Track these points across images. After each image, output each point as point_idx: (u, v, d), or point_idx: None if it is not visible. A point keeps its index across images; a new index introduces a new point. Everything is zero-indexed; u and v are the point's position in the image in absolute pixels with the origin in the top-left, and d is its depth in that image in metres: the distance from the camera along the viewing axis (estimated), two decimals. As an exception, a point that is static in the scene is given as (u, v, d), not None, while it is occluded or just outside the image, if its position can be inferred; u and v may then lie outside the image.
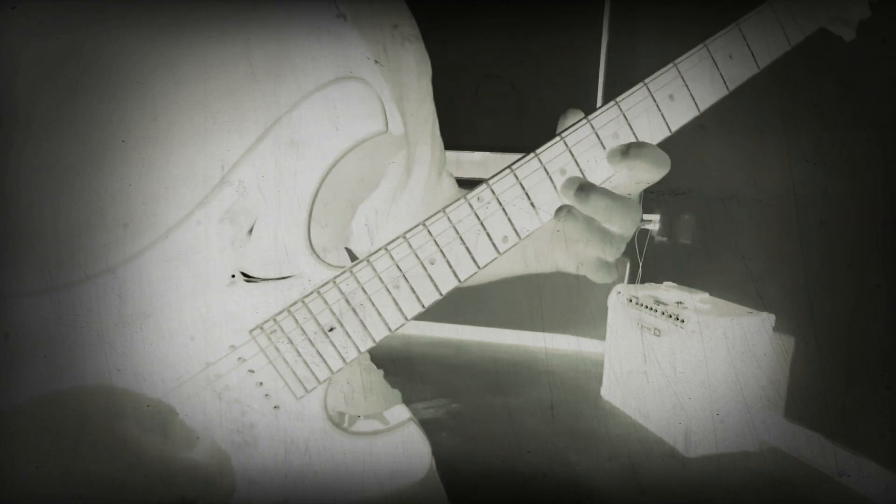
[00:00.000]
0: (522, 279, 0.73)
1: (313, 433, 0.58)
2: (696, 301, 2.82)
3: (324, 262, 0.54)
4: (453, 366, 3.62)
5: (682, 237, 3.48)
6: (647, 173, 0.56)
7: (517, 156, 0.57)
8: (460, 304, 4.03)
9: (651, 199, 3.67)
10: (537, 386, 3.45)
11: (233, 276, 0.53)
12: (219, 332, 0.54)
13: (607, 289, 3.22)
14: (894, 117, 2.33)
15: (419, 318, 0.57)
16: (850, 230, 2.49)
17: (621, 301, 3.08)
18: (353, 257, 0.63)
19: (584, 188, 0.55)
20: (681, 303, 2.82)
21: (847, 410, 2.50)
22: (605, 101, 0.60)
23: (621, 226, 0.57)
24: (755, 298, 2.80)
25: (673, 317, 2.73)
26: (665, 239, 3.60)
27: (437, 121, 0.76)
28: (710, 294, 2.94)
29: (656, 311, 2.83)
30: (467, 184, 0.65)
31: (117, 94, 0.52)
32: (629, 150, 0.55)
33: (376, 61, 0.63)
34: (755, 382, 2.69)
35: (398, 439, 0.58)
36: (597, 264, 0.59)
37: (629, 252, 3.78)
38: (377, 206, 0.72)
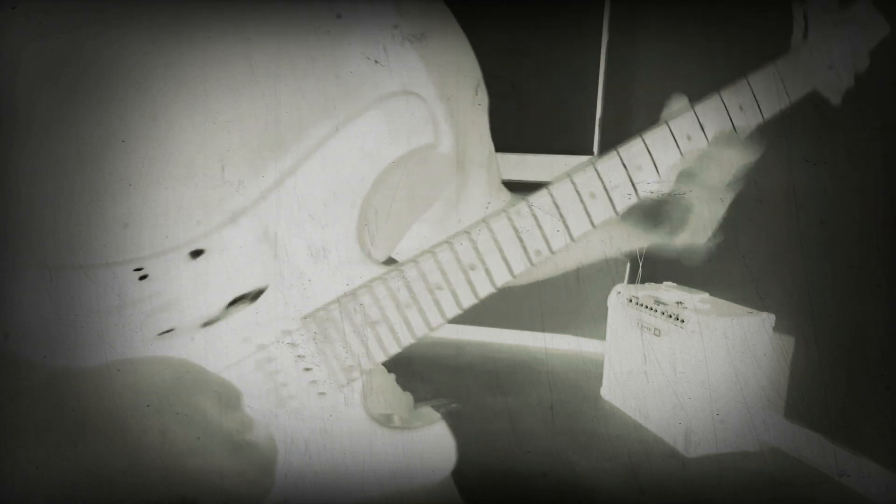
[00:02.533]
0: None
1: (313, 433, 0.58)
2: (696, 301, 2.82)
3: (373, 259, 0.56)
4: (453, 366, 3.62)
5: (682, 237, 3.47)
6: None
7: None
8: (460, 304, 4.02)
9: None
10: (537, 386, 3.44)
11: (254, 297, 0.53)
12: (220, 331, 0.54)
13: (607, 289, 3.22)
14: (894, 117, 2.33)
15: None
16: (850, 230, 2.49)
17: (621, 301, 3.08)
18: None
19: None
20: (681, 303, 2.82)
21: (847, 410, 2.50)
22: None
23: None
24: (755, 298, 2.80)
25: (673, 317, 2.73)
26: (665, 239, 3.60)
27: (493, 152, 0.75)
28: (710, 294, 2.94)
29: (656, 311, 2.83)
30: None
31: (117, 94, 0.53)
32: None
33: (376, 61, 0.63)
34: (755, 382, 2.69)
35: (430, 436, 0.60)
36: (699, 211, 0.63)
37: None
38: (376, 206, 0.72)
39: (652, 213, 0.67)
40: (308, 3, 0.59)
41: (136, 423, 0.51)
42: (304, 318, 0.55)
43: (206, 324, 0.54)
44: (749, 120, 0.63)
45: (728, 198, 0.63)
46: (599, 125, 3.79)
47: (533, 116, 3.83)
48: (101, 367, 0.50)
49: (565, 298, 3.97)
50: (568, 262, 0.77)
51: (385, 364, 0.74)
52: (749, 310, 2.76)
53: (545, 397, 3.27)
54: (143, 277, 0.52)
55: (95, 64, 0.52)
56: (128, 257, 0.52)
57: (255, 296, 0.54)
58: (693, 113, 0.61)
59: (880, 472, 2.38)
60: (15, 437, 0.50)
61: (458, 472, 0.64)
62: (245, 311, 0.54)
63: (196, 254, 0.53)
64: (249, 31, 0.56)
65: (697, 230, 0.64)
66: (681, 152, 0.61)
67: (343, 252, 0.55)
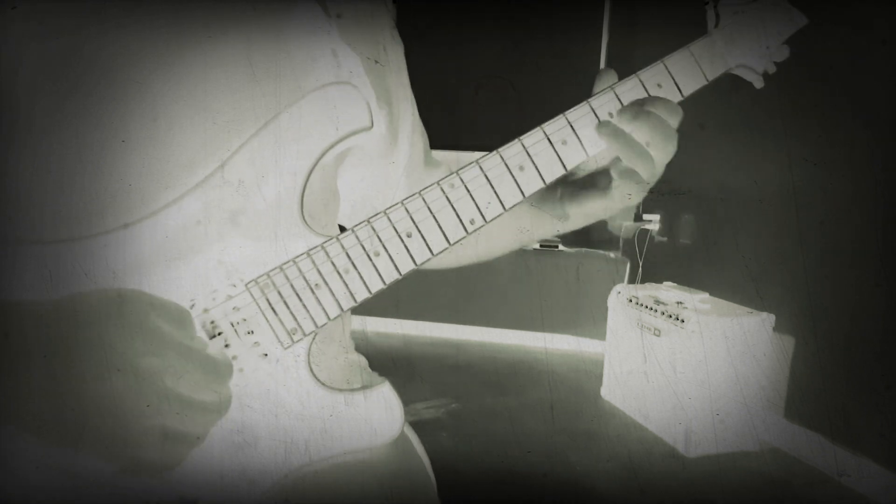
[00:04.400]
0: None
1: (313, 433, 0.58)
2: (696, 301, 2.82)
3: (313, 230, 0.58)
4: (453, 366, 3.62)
5: (682, 237, 3.48)
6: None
7: None
8: (460, 304, 4.03)
9: (651, 198, 3.67)
10: (537, 386, 3.44)
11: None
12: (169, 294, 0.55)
13: (607, 289, 3.22)
14: (894, 117, 2.33)
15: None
16: (850, 230, 2.49)
17: (621, 301, 3.08)
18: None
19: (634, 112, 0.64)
20: (681, 303, 2.82)
21: (847, 410, 2.50)
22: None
23: (659, 148, 0.64)
24: (755, 298, 2.79)
25: (673, 317, 2.73)
26: (665, 239, 3.60)
27: (416, 111, 0.76)
28: (710, 294, 2.94)
29: (656, 311, 2.83)
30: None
31: (117, 94, 0.53)
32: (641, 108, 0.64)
33: (376, 61, 0.63)
34: (755, 382, 2.69)
35: (373, 397, 0.61)
36: (629, 171, 0.65)
37: (629, 252, 3.78)
38: (366, 194, 0.73)
39: (585, 183, 0.71)
40: (308, 2, 0.60)
41: (136, 423, 0.51)
42: (247, 284, 0.56)
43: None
44: (669, 96, 0.67)
45: (664, 152, 0.66)
46: (599, 125, 3.77)
47: (533, 116, 3.82)
48: (101, 368, 0.50)
49: (565, 298, 3.97)
50: (504, 244, 0.79)
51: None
52: (749, 310, 2.76)
53: (545, 397, 3.27)
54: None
55: (95, 64, 0.52)
56: (128, 257, 0.52)
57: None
58: (613, 92, 0.65)
59: (880, 472, 2.38)
60: (15, 437, 0.50)
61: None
62: (183, 279, 0.55)
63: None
64: (249, 31, 0.56)
65: (627, 192, 0.67)
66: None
67: (283, 226, 0.57)
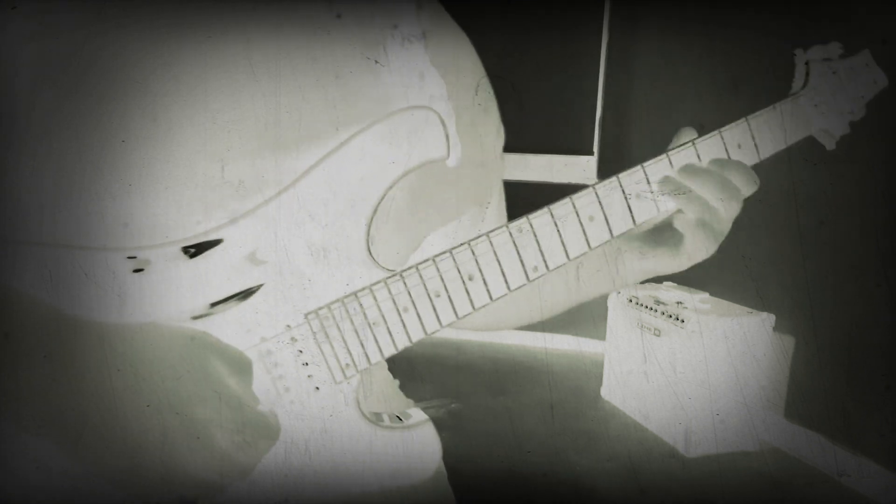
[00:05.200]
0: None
1: (313, 433, 0.58)
2: (696, 301, 2.82)
3: (377, 262, 0.57)
4: (453, 366, 3.62)
5: (682, 237, 3.47)
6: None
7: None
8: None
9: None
10: (537, 386, 3.44)
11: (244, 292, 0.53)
12: (225, 319, 0.54)
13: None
14: (894, 117, 2.33)
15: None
16: (850, 230, 2.49)
17: (621, 301, 3.08)
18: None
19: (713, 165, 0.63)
20: (681, 303, 2.82)
21: (847, 410, 2.50)
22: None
23: (728, 199, 0.64)
24: (755, 298, 2.79)
25: (673, 317, 2.73)
26: (665, 239, 3.59)
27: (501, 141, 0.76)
28: (710, 294, 2.94)
29: (656, 311, 2.83)
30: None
31: (117, 94, 0.53)
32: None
33: (376, 62, 0.63)
34: (755, 382, 2.69)
35: (414, 435, 0.60)
36: (700, 224, 0.65)
37: (629, 252, 3.77)
38: (387, 215, 0.73)
39: (650, 239, 0.70)
40: (308, 3, 0.60)
41: (136, 423, 0.51)
42: (307, 314, 0.56)
43: (196, 317, 0.54)
44: (746, 159, 0.65)
45: (731, 210, 0.65)
46: (599, 125, 3.79)
47: (533, 116, 3.83)
48: (101, 367, 0.50)
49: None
50: (571, 299, 0.80)
51: (388, 366, 0.75)
52: (749, 310, 2.76)
53: (545, 397, 3.27)
54: (137, 270, 0.52)
55: (95, 64, 0.52)
56: (128, 257, 0.52)
57: (245, 295, 0.55)
58: (693, 147, 0.64)
59: (880, 472, 2.38)
60: (15, 437, 0.50)
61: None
62: (245, 305, 0.55)
63: (193, 253, 0.53)
64: (249, 31, 0.56)
65: (697, 249, 0.67)
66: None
67: (346, 254, 0.56)
